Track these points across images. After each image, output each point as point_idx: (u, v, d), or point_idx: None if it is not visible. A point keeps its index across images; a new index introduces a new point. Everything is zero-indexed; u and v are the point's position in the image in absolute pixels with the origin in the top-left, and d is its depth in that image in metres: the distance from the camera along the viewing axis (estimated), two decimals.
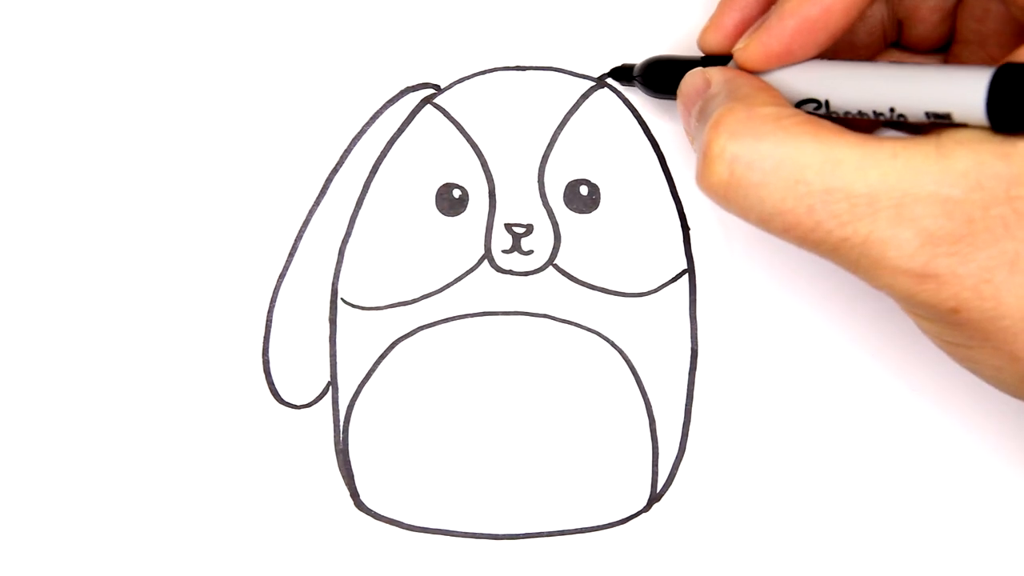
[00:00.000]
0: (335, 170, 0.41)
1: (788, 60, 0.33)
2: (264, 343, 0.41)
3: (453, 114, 0.41)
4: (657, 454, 0.40)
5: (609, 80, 0.41)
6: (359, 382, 0.41)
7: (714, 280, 0.41)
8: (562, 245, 0.41)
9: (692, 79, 0.35)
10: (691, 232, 0.41)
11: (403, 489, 0.40)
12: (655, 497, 0.40)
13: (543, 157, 0.41)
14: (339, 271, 0.41)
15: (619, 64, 0.41)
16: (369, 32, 0.42)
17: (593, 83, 0.41)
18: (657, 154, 0.41)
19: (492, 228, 0.41)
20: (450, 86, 0.42)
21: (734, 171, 0.30)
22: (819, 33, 0.32)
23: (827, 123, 0.30)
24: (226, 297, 0.41)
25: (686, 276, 0.41)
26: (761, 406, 0.41)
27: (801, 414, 0.40)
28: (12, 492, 0.40)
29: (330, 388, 0.41)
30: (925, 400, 0.40)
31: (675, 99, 0.36)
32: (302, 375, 0.41)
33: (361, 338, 0.41)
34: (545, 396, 0.41)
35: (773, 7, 0.33)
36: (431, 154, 0.41)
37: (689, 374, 0.41)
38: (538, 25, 0.42)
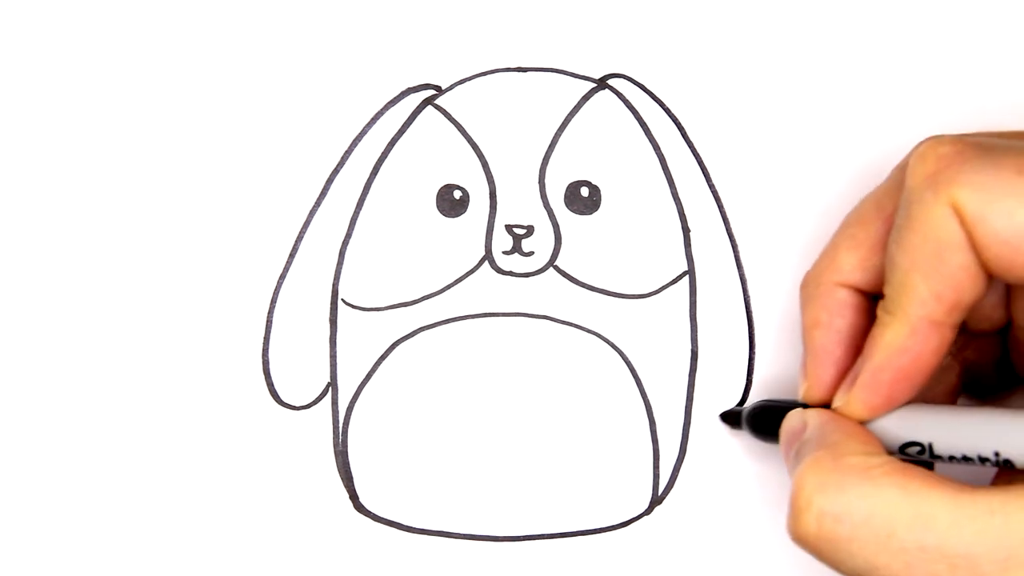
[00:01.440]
0: (336, 171, 0.41)
1: (890, 407, 0.32)
2: (264, 344, 0.41)
3: (454, 115, 0.41)
4: (658, 456, 0.40)
5: (610, 81, 0.41)
6: (359, 383, 0.41)
7: (714, 282, 0.41)
8: (563, 246, 0.41)
9: (791, 421, 0.34)
10: (691, 234, 0.41)
11: (403, 491, 0.40)
12: (656, 500, 0.40)
13: (544, 158, 0.41)
14: (339, 272, 0.41)
15: (728, 408, 0.40)
16: (369, 32, 0.42)
17: (594, 84, 0.41)
18: (658, 156, 0.41)
19: (493, 229, 0.41)
20: (451, 87, 0.42)
21: (822, 524, 0.30)
22: (915, 378, 0.32)
23: (918, 472, 0.29)
24: (226, 298, 0.41)
25: (686, 278, 0.41)
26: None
27: None
28: (12, 492, 0.40)
29: (330, 389, 0.41)
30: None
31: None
32: (302, 376, 0.41)
33: (361, 339, 0.41)
34: (545, 398, 0.41)
35: (861, 359, 0.33)
36: (432, 155, 0.41)
37: (689, 376, 0.41)
38: (539, 26, 0.42)
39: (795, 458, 0.32)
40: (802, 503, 0.30)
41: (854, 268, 0.34)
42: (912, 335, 0.31)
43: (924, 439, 0.32)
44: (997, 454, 0.30)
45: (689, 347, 0.41)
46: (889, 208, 0.33)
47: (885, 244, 0.32)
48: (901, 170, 0.33)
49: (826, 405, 0.35)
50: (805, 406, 0.35)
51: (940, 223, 0.30)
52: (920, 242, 0.30)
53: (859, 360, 0.33)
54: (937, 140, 0.31)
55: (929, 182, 0.30)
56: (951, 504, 0.28)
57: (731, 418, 0.40)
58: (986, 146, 0.30)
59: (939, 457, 0.32)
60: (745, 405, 0.40)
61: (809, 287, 0.35)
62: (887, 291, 0.32)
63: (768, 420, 0.37)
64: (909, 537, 0.28)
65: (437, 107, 0.41)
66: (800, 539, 0.31)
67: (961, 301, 0.31)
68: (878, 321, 0.32)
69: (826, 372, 0.35)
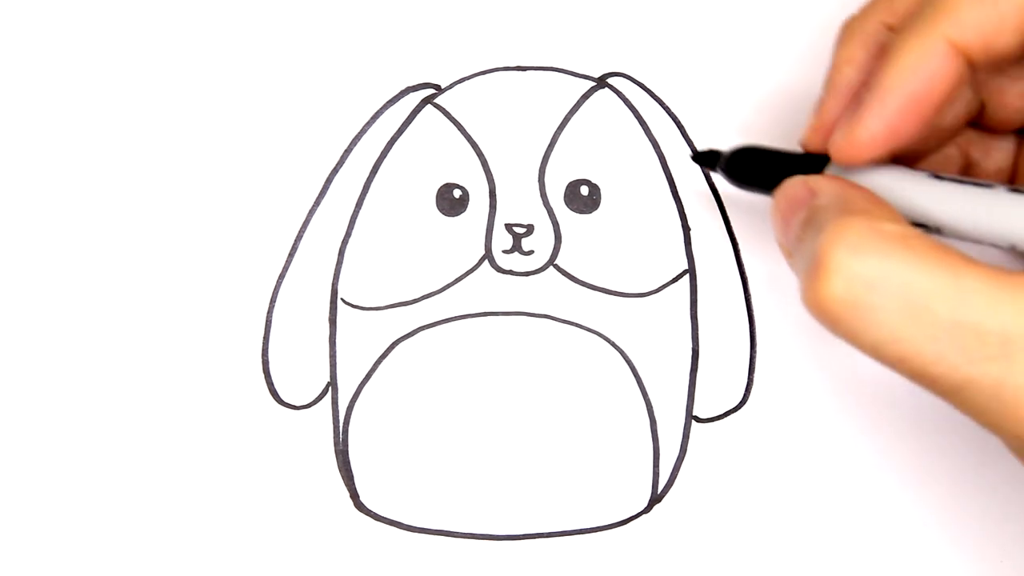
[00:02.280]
0: (335, 170, 0.41)
1: (892, 144, 0.31)
2: (264, 343, 0.41)
3: (454, 114, 0.41)
4: (658, 455, 0.40)
5: (609, 80, 0.41)
6: (359, 383, 0.41)
7: (715, 280, 0.41)
8: (563, 245, 0.41)
9: (794, 188, 0.32)
10: (692, 232, 0.41)
11: (403, 490, 0.40)
12: (656, 498, 0.40)
13: (544, 157, 0.41)
14: (339, 271, 0.41)
15: (705, 149, 0.38)
16: (369, 32, 0.42)
17: (594, 83, 0.41)
18: (658, 154, 0.41)
19: (492, 228, 0.41)
20: (451, 86, 0.42)
21: (851, 289, 0.28)
22: (923, 110, 0.30)
23: (955, 250, 0.28)
24: (226, 297, 0.41)
25: (687, 276, 0.41)
26: (762, 407, 0.40)
27: (802, 415, 0.40)
28: (12, 492, 0.40)
29: (330, 389, 0.41)
30: (930, 406, 0.40)
31: (759, 192, 0.35)
32: (302, 375, 0.41)
33: (361, 338, 0.41)
34: (546, 397, 0.41)
35: (865, 89, 0.31)
36: (431, 154, 0.41)
37: (690, 375, 0.41)
38: (539, 25, 0.42)
39: (804, 224, 0.30)
40: (833, 265, 0.28)
41: (908, 7, 0.32)
42: (931, 55, 0.30)
43: (934, 221, 0.31)
44: (1013, 247, 0.30)
45: (690, 346, 0.41)
46: None
47: None
48: None
49: (823, 159, 0.33)
50: (793, 157, 0.34)
51: None
52: None
53: (865, 89, 0.31)
54: None
55: None
56: (991, 283, 0.27)
57: (706, 159, 0.38)
58: None
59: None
60: (725, 149, 0.37)
61: (853, 26, 0.33)
62: (918, 12, 0.30)
63: (751, 166, 0.35)
64: (944, 309, 0.27)
65: (437, 106, 0.41)
66: (819, 304, 0.29)
67: (994, 43, 0.29)
68: (891, 44, 0.31)
69: (840, 114, 0.33)
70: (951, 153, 0.36)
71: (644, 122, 0.41)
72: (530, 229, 0.41)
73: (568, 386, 0.40)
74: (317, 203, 0.41)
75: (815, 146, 0.34)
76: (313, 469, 0.40)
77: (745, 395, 0.41)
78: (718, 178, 0.40)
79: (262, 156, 0.41)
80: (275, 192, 0.41)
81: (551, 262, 0.41)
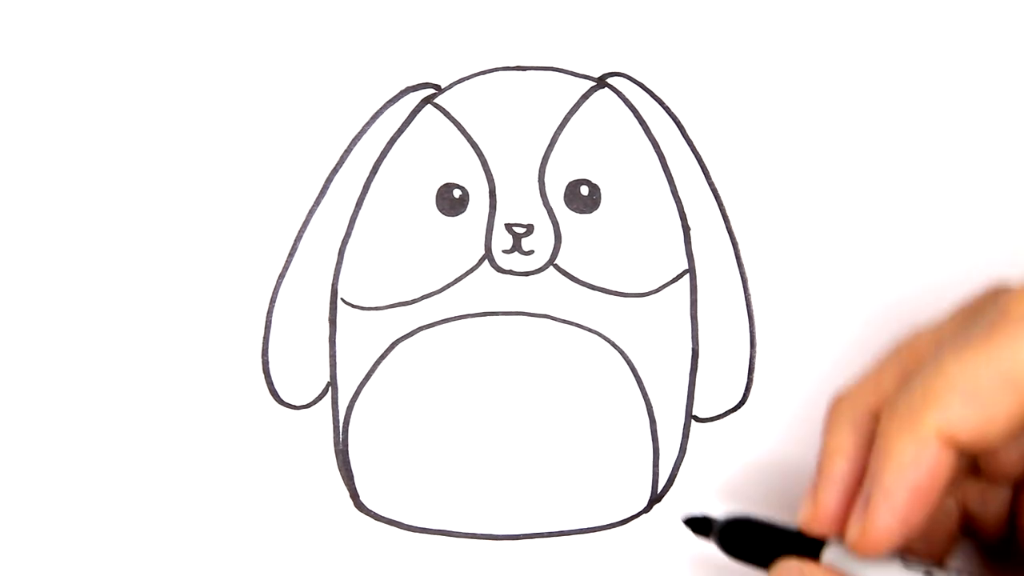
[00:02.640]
0: (335, 170, 0.41)
1: (906, 532, 0.31)
2: (264, 343, 0.41)
3: (453, 114, 0.41)
4: (658, 455, 0.40)
5: (609, 80, 0.41)
6: (359, 382, 0.41)
7: (715, 280, 0.41)
8: (563, 245, 0.41)
9: (788, 573, 0.33)
10: (692, 232, 0.41)
11: (403, 489, 0.40)
12: (655, 498, 0.40)
13: (543, 157, 0.41)
14: (339, 271, 0.41)
15: (698, 514, 0.37)
16: (369, 32, 0.42)
17: (594, 83, 0.41)
18: (658, 154, 0.41)
19: (492, 228, 0.41)
20: (450, 86, 0.41)
21: None
22: (930, 497, 0.31)
23: None
24: (226, 297, 0.41)
25: (687, 276, 0.41)
26: (761, 406, 0.40)
27: (801, 415, 0.40)
28: (12, 492, 0.40)
29: (330, 388, 0.41)
30: None
31: (752, 565, 0.35)
32: (302, 375, 0.41)
33: (361, 338, 0.41)
34: (545, 396, 0.41)
35: (869, 484, 0.31)
36: (431, 154, 0.41)
37: (690, 374, 0.41)
38: (538, 25, 0.42)
39: None
40: None
41: (894, 389, 0.32)
42: (925, 450, 0.30)
43: None
44: None
45: (690, 346, 0.41)
46: (947, 333, 0.32)
47: None
48: (963, 312, 0.32)
49: (819, 541, 0.33)
50: (787, 533, 0.34)
51: (1006, 360, 0.29)
52: (971, 366, 0.29)
53: (866, 483, 0.31)
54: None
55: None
56: None
57: (698, 526, 0.37)
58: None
59: None
60: (718, 515, 0.36)
61: (842, 408, 0.33)
62: (903, 399, 0.30)
63: (745, 540, 0.35)
64: None
65: (436, 106, 0.41)
66: None
67: (984, 436, 0.30)
68: (884, 433, 0.31)
69: (836, 503, 0.33)
70: (949, 506, 0.35)
71: (644, 122, 0.41)
72: (530, 229, 0.41)
73: (568, 386, 0.41)
74: (317, 203, 0.41)
75: (815, 530, 0.33)
76: (313, 469, 0.40)
77: (745, 395, 0.41)
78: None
79: (262, 156, 0.41)
80: (275, 192, 0.41)
81: (551, 262, 0.41)
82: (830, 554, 0.33)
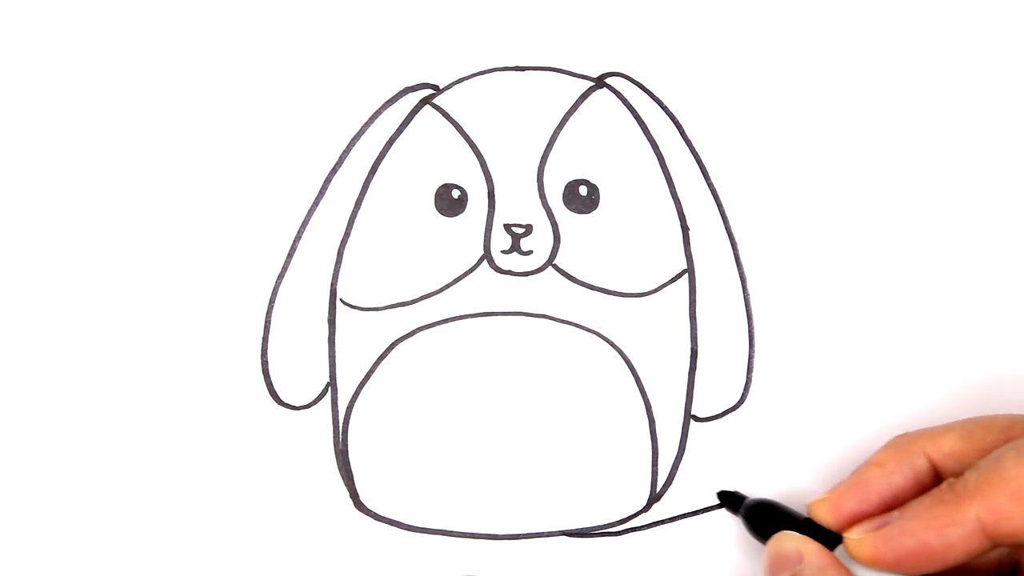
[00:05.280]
0: (334, 170, 0.41)
1: (894, 568, 0.34)
2: (263, 344, 0.41)
3: (452, 114, 0.41)
4: (657, 454, 0.40)
5: (608, 80, 0.41)
6: (358, 383, 0.41)
7: (714, 280, 0.41)
8: (561, 245, 0.41)
9: (784, 544, 0.36)
10: (690, 232, 0.41)
11: (403, 489, 0.40)
12: (655, 497, 0.40)
13: (542, 157, 0.41)
14: (338, 272, 0.41)
15: (732, 490, 0.40)
16: (368, 32, 0.42)
17: (592, 83, 0.41)
18: (656, 154, 0.41)
19: (491, 228, 0.41)
20: (449, 86, 0.41)
21: None
22: (933, 561, 0.33)
23: None
24: (225, 298, 0.41)
25: (686, 276, 0.41)
26: (760, 406, 0.41)
27: (800, 414, 0.40)
28: (12, 492, 0.40)
29: (329, 389, 0.41)
30: (927, 407, 0.41)
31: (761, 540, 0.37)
32: (301, 376, 0.41)
33: (360, 339, 0.41)
34: (545, 396, 0.41)
35: (899, 513, 0.34)
36: (430, 154, 0.41)
37: (689, 374, 0.41)
38: (537, 25, 0.42)
39: None
40: None
41: (951, 453, 0.35)
42: (958, 528, 0.32)
43: None
44: None
45: (689, 345, 0.41)
46: (1018, 432, 0.34)
47: (991, 452, 0.34)
48: None
49: (828, 533, 0.36)
50: (806, 522, 0.37)
51: None
52: None
53: (897, 512, 0.34)
54: None
55: None
56: None
57: (729, 501, 0.40)
58: None
59: None
60: (748, 499, 0.39)
61: (899, 443, 0.36)
62: (971, 477, 0.33)
63: (767, 521, 0.38)
64: None
65: (435, 106, 0.41)
66: None
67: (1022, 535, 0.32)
68: (939, 495, 0.33)
69: (852, 505, 0.36)
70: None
71: (643, 122, 0.41)
72: (529, 229, 0.41)
73: (567, 386, 0.41)
74: (316, 203, 0.41)
75: (819, 514, 0.36)
76: (313, 469, 0.40)
77: (743, 394, 0.41)
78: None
79: (261, 157, 0.41)
80: (274, 193, 0.41)
81: (550, 262, 0.41)
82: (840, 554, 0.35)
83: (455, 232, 0.41)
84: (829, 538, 0.36)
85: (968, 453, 0.35)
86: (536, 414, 0.41)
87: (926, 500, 0.33)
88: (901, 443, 0.36)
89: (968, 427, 0.35)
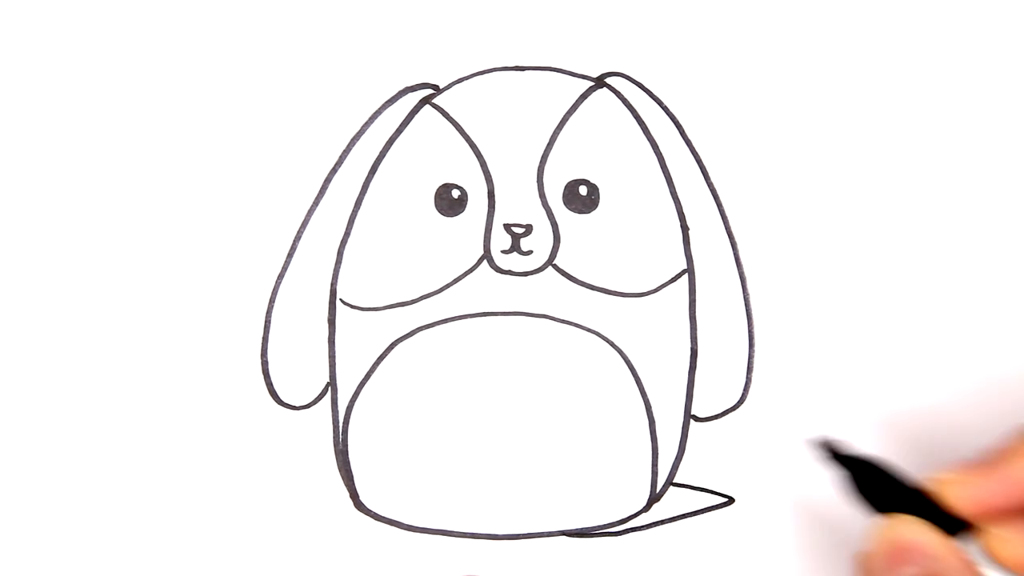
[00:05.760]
0: (334, 170, 0.41)
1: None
2: (263, 344, 0.41)
3: (452, 114, 0.41)
4: (657, 454, 0.40)
5: (608, 80, 0.41)
6: (358, 383, 0.41)
7: (713, 280, 0.41)
8: (561, 245, 0.41)
9: (911, 534, 0.32)
10: (690, 232, 0.41)
11: (403, 489, 0.40)
12: (655, 497, 0.40)
13: (542, 157, 0.41)
14: (338, 272, 0.41)
15: (833, 440, 0.35)
16: (368, 32, 0.42)
17: (592, 83, 0.41)
18: (656, 154, 0.41)
19: (491, 228, 0.41)
20: (449, 86, 0.41)
21: None
22: None
23: None
24: (225, 298, 0.41)
25: (685, 276, 0.41)
26: (760, 406, 0.41)
27: (800, 414, 0.40)
28: (12, 492, 0.40)
29: (329, 389, 0.41)
30: (926, 407, 0.40)
31: (869, 505, 0.34)
32: (301, 376, 0.41)
33: (360, 339, 0.41)
34: (545, 396, 0.41)
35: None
36: (430, 154, 0.41)
37: (689, 374, 0.41)
38: (537, 25, 0.41)
39: None
40: None
41: None
42: None
43: None
44: None
45: (688, 345, 0.41)
46: None
47: None
48: None
49: (946, 517, 0.33)
50: (910, 496, 0.33)
51: None
52: None
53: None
54: None
55: None
56: None
57: (830, 450, 0.35)
58: None
59: None
60: (853, 451, 0.35)
61: None
62: None
63: (876, 484, 0.34)
64: None
65: (435, 106, 0.41)
66: None
67: None
68: None
69: (993, 496, 0.32)
70: None
71: (643, 122, 0.41)
72: (529, 229, 0.41)
73: (567, 386, 0.41)
74: (316, 203, 0.41)
75: (955, 497, 0.32)
76: (313, 469, 0.40)
77: (743, 394, 0.41)
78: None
79: (261, 156, 0.41)
80: (274, 192, 0.41)
81: (550, 262, 0.41)
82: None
83: (455, 232, 0.41)
84: (946, 522, 0.32)
85: None
86: (536, 414, 0.41)
87: None
88: None
89: None
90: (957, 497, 0.32)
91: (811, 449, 0.35)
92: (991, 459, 0.32)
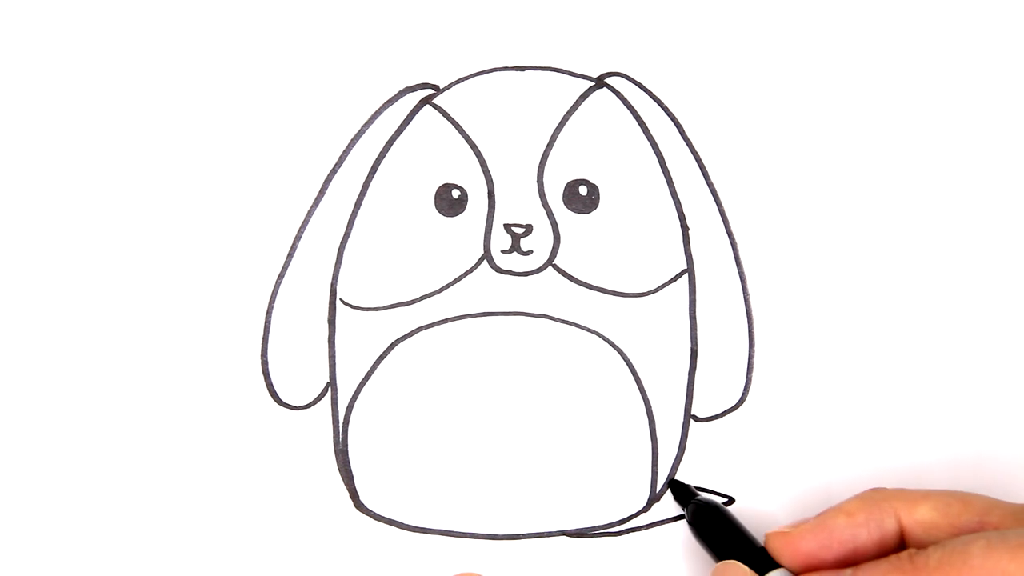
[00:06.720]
0: (334, 170, 0.41)
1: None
2: (263, 344, 0.41)
3: (452, 114, 0.41)
4: (657, 454, 0.40)
5: (608, 80, 0.41)
6: (358, 383, 0.41)
7: (713, 280, 0.41)
8: (561, 245, 0.41)
9: (735, 572, 0.36)
10: (690, 232, 0.41)
11: (402, 489, 0.40)
12: (654, 497, 0.40)
13: (542, 157, 0.41)
14: (338, 272, 0.41)
15: (684, 481, 0.40)
16: (368, 32, 0.42)
17: (592, 83, 0.41)
18: (656, 154, 0.41)
19: (491, 228, 0.41)
20: (449, 86, 0.41)
21: None
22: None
23: None
24: (225, 298, 0.41)
25: (685, 276, 0.41)
26: (760, 406, 0.41)
27: (800, 414, 0.40)
28: (12, 492, 0.40)
29: (329, 389, 0.41)
30: (926, 407, 0.40)
31: (708, 550, 0.38)
32: (301, 376, 0.41)
33: (360, 339, 0.41)
34: (545, 396, 0.41)
35: (853, 572, 0.34)
36: (430, 154, 0.41)
37: (689, 374, 0.41)
38: (537, 25, 0.42)
39: None
40: None
41: (923, 522, 0.35)
42: None
43: None
44: None
45: (688, 345, 0.41)
46: (994, 520, 0.34)
47: (962, 533, 0.33)
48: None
49: (770, 561, 0.36)
50: (747, 540, 0.37)
51: None
52: None
53: (851, 571, 0.34)
54: None
55: None
56: None
57: (680, 492, 0.40)
58: None
59: None
60: (696, 498, 0.39)
61: (876, 494, 0.36)
62: (934, 554, 0.32)
63: (712, 526, 0.38)
64: None
65: (435, 106, 0.41)
66: None
67: None
68: (898, 564, 0.33)
69: (811, 546, 0.35)
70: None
71: (643, 122, 0.41)
72: (529, 229, 0.41)
73: (567, 386, 0.41)
74: (316, 203, 0.41)
75: (776, 547, 0.36)
76: (313, 469, 0.40)
77: (743, 394, 0.41)
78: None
79: (261, 157, 0.41)
80: (274, 193, 0.41)
81: (550, 262, 0.41)
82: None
83: (455, 232, 0.41)
84: (769, 567, 0.36)
85: (940, 527, 0.34)
86: (536, 414, 0.41)
87: (883, 566, 0.33)
88: (875, 498, 0.36)
89: (946, 500, 0.35)
90: (780, 547, 0.36)
91: (665, 488, 0.40)
92: (822, 516, 0.36)
